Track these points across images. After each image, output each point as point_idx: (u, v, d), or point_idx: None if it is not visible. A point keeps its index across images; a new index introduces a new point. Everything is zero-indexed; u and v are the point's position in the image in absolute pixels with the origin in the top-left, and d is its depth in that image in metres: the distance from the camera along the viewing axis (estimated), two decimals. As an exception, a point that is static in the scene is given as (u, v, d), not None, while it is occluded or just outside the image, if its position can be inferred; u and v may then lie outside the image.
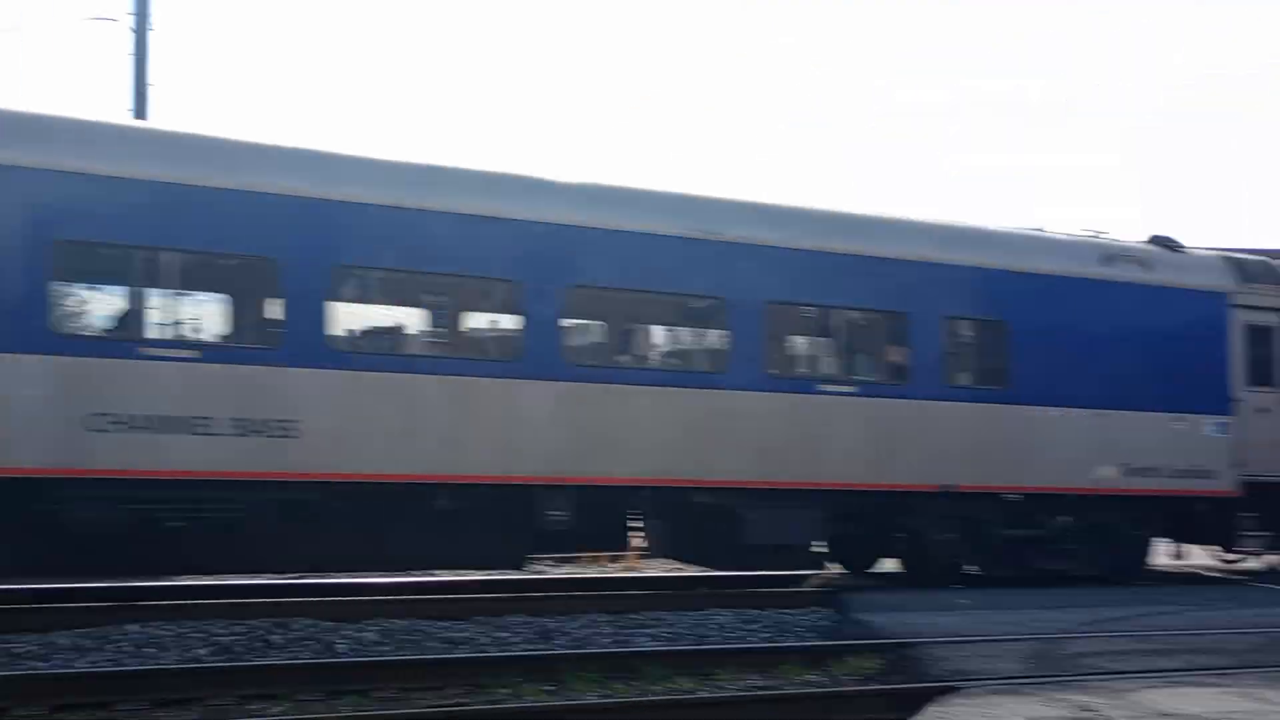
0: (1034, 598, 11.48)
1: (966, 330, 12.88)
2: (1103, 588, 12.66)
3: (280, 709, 6.80)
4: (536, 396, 10.59)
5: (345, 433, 9.95)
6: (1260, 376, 13.54)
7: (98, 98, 37.58)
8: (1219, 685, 7.25)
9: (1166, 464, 12.85)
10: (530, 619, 9.54)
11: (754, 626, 9.73)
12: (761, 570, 12.08)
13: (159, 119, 16.07)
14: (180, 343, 10.09)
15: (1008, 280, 12.64)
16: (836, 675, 8.12)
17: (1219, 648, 8.78)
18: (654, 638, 9.31)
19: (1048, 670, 7.70)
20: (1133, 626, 9.70)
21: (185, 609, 9.17)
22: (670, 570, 14.20)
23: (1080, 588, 12.49)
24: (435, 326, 11.45)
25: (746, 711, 7.14)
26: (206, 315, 10.78)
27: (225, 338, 10.74)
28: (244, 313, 10.88)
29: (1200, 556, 14.98)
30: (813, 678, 8.07)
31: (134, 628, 8.45)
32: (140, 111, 16.30)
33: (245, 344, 10.71)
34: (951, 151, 66.23)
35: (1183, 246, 14.06)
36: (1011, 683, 7.36)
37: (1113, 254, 13.30)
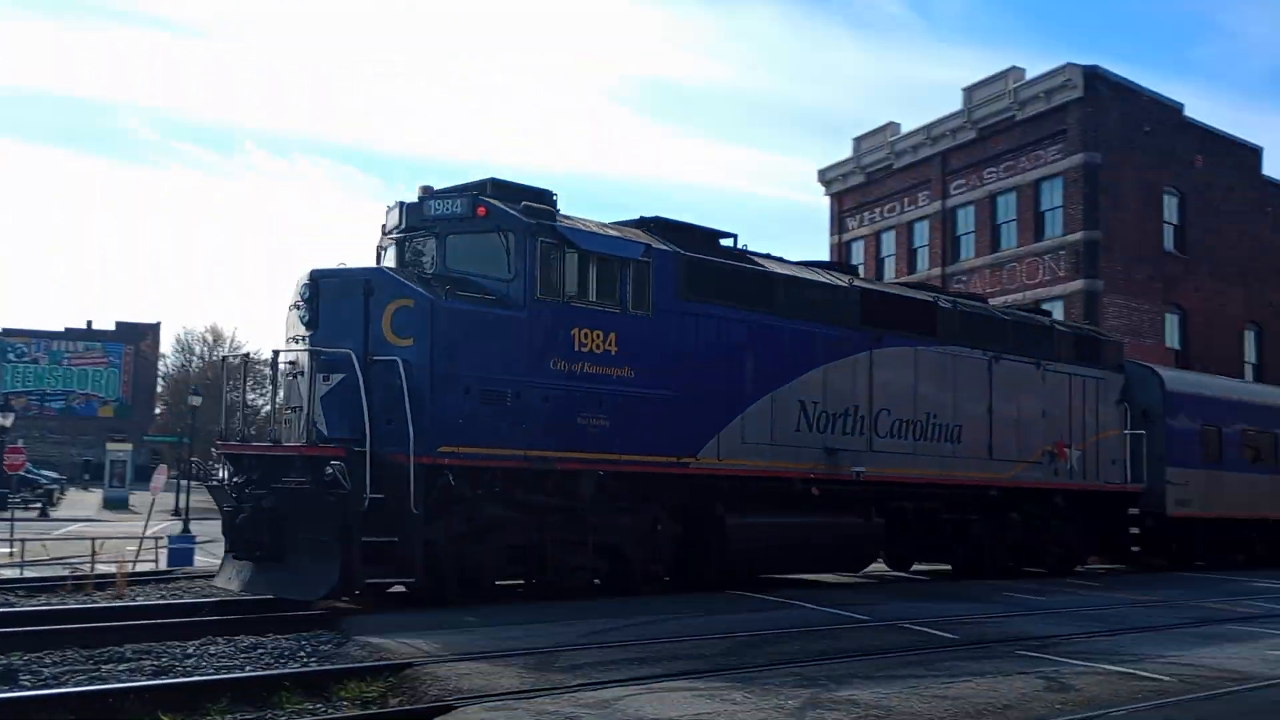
0: (542, 612, 11.95)
1: None
2: (610, 600, 13.27)
3: None
4: None
5: None
6: None
7: None
8: (692, 689, 7.96)
9: None
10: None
11: (253, 655, 9.33)
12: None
13: None
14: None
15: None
16: (338, 702, 8.03)
17: (695, 653, 9.60)
18: (138, 672, 8.61)
19: (543, 684, 8.02)
20: (625, 636, 10.38)
21: None
22: (164, 599, 13.32)
23: (589, 601, 13.07)
24: None
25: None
26: None
27: None
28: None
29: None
30: (311, 706, 7.91)
31: None
32: None
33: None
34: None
35: None
36: (505, 699, 7.62)
37: None
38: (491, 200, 13.44)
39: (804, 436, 16.11)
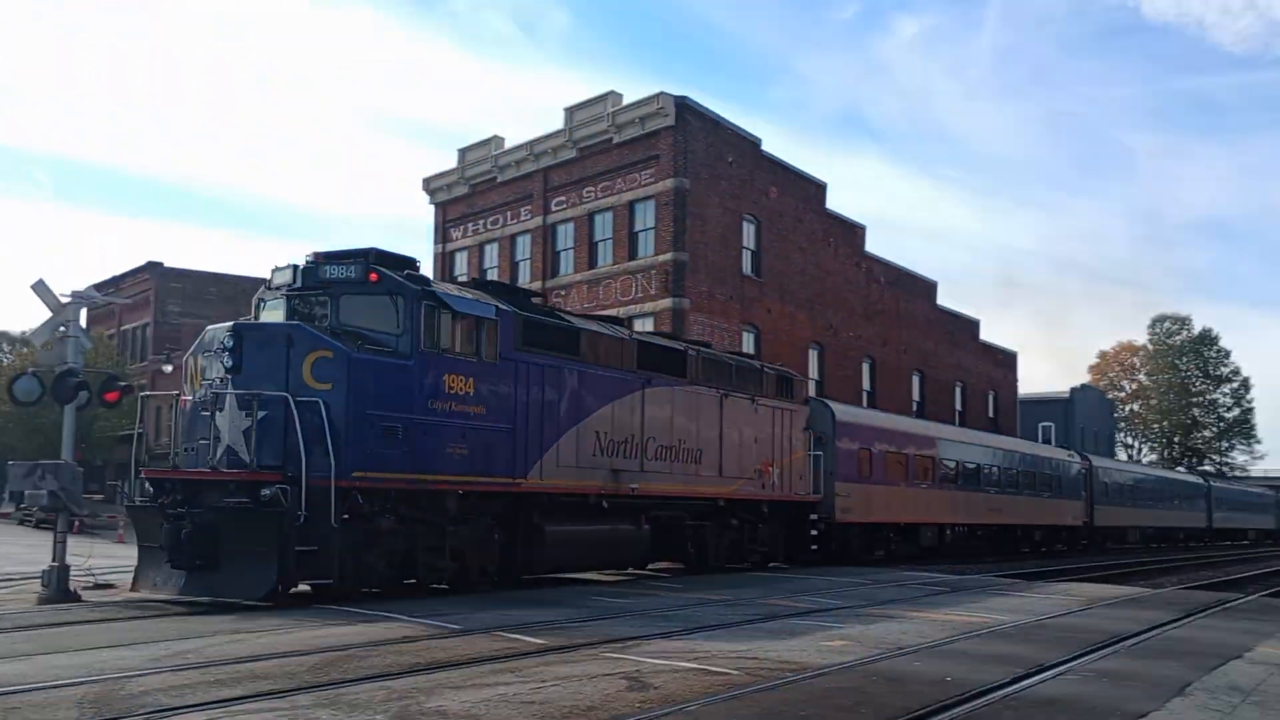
0: (98, 634, 11.04)
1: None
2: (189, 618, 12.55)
3: None
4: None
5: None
6: None
7: None
8: (274, 710, 7.65)
9: None
10: None
11: None
12: None
13: None
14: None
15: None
16: None
17: (281, 672, 9.19)
18: None
19: (106, 714, 7.46)
20: (198, 658, 9.75)
21: None
22: None
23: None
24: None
25: None
26: None
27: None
28: None
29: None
30: None
31: None
32: None
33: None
34: None
35: None
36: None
37: None
38: (383, 268, 16.11)
39: (597, 460, 19.71)
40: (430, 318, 16.06)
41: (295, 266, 16.32)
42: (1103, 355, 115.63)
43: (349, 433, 14.87)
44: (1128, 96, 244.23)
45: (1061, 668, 10.58)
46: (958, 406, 52.85)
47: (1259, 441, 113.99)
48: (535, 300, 20.76)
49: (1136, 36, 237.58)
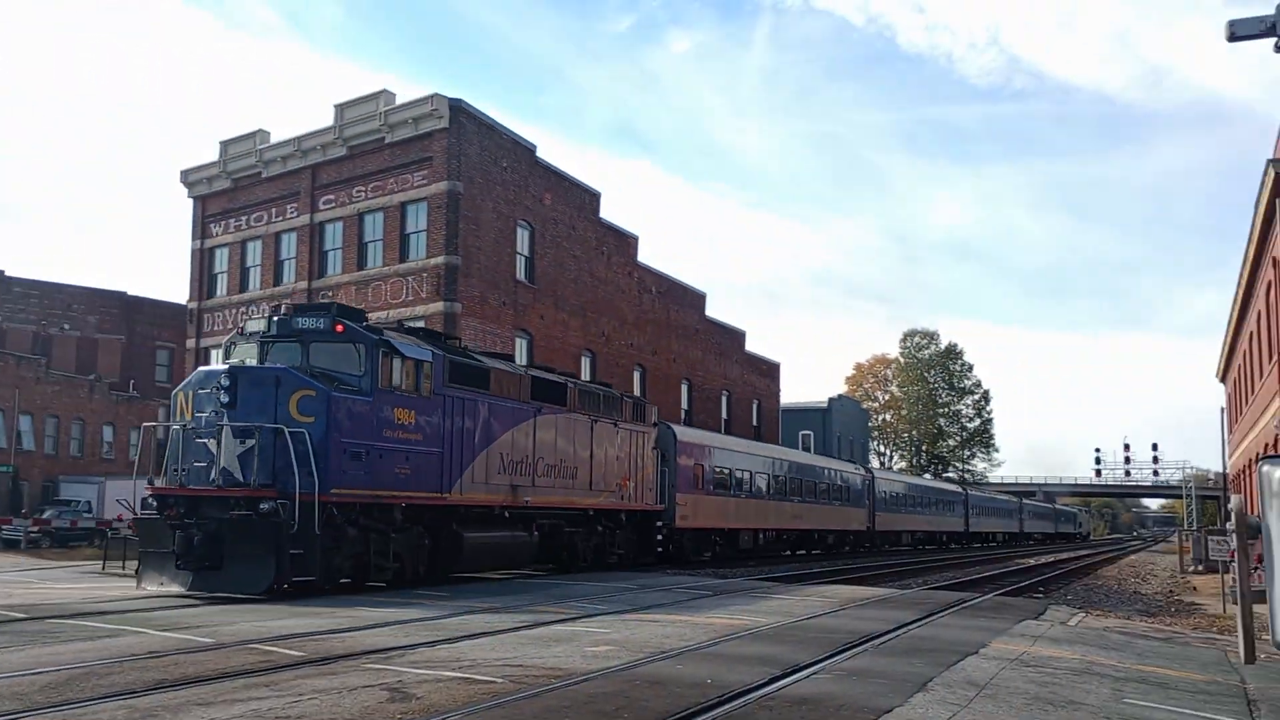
0: None
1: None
2: None
3: None
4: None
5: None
6: None
7: None
8: None
9: None
10: None
11: None
12: None
13: None
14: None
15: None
16: None
17: (9, 693, 8.60)
18: None
19: None
20: None
21: None
22: None
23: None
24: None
25: None
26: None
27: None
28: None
29: None
30: None
31: None
32: None
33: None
34: None
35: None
36: None
37: None
38: (347, 321, 19.49)
39: (501, 477, 23.22)
40: (385, 361, 19.46)
41: (269, 317, 19.87)
42: (858, 367, 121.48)
43: (327, 457, 18.06)
44: (884, 121, 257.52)
45: (815, 667, 10.98)
46: (724, 415, 54.31)
47: (997, 450, 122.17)
48: (451, 341, 24.43)
49: (892, 65, 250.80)
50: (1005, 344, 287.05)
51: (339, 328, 19.17)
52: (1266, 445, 34.73)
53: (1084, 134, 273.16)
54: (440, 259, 34.05)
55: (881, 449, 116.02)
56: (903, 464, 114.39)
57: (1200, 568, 46.94)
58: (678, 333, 49.64)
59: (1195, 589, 35.65)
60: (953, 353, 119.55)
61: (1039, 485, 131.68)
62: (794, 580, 27.55)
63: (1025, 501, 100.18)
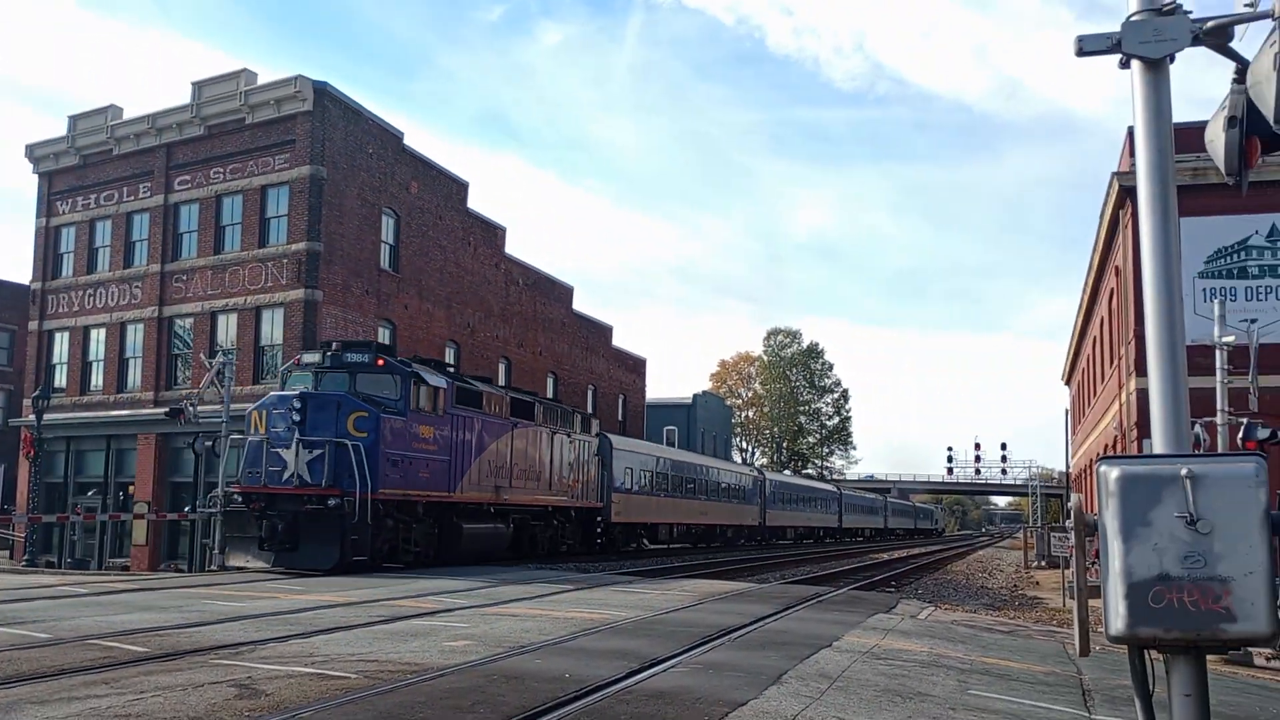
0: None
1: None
2: None
3: None
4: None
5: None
6: None
7: None
8: None
9: None
10: None
11: None
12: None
13: None
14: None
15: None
16: None
17: None
18: None
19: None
20: None
21: None
22: None
23: None
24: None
25: None
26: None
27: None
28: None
29: None
30: None
31: None
32: None
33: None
34: None
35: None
36: None
37: None
38: (387, 356, 24.91)
39: (488, 480, 28.36)
40: (414, 388, 24.71)
41: (323, 351, 25.03)
42: (723, 364, 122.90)
43: (376, 465, 22.98)
44: (751, 122, 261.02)
45: (672, 661, 11.05)
46: (590, 409, 54.37)
47: (855, 448, 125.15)
48: (450, 368, 30.47)
49: (761, 66, 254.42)
50: (865, 343, 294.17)
51: (380, 361, 24.54)
52: (1106, 446, 36.32)
53: (943, 141, 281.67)
54: (301, 245, 33.26)
55: (744, 445, 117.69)
56: (764, 460, 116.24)
57: (1043, 563, 48.84)
58: (545, 326, 49.50)
59: (1038, 584, 37.07)
60: (814, 352, 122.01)
61: (894, 482, 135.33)
62: (656, 575, 27.74)
63: (889, 500, 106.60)
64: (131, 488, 36.52)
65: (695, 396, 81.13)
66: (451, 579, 22.22)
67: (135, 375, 37.28)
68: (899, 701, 9.51)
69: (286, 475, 22.75)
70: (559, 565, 29.13)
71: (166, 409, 31.22)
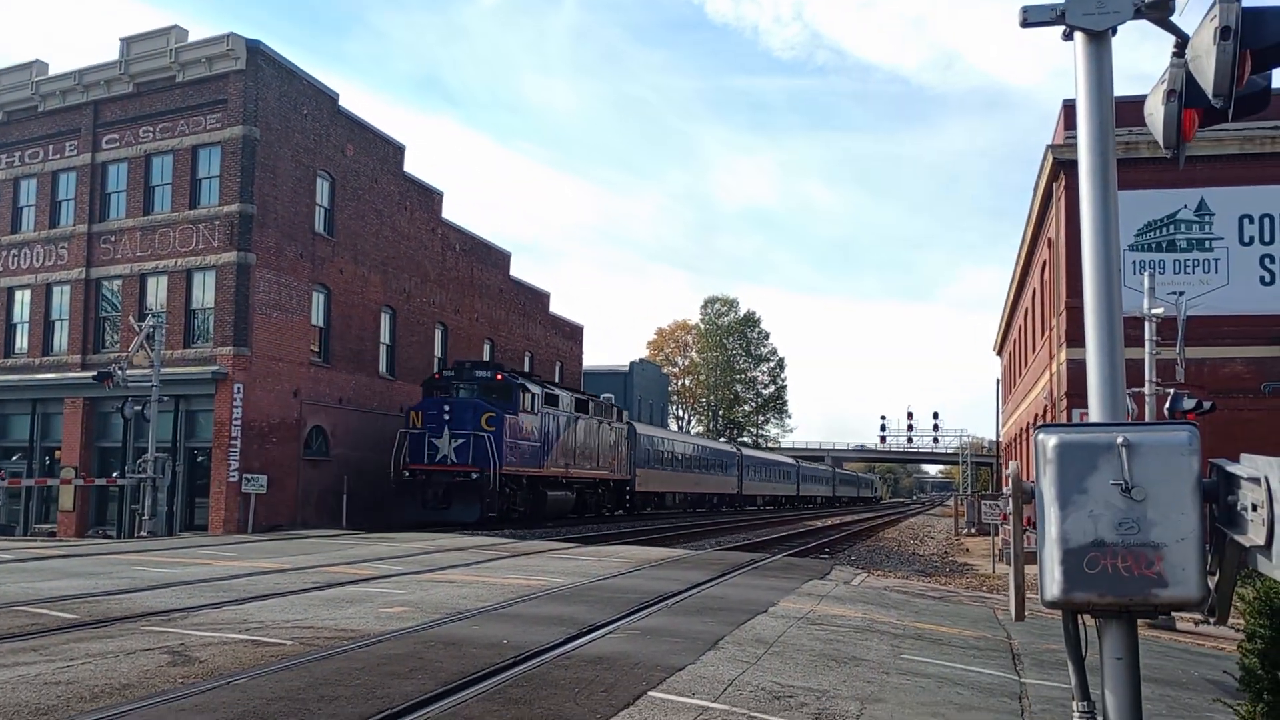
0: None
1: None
2: None
3: None
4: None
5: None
6: None
7: None
8: None
9: None
10: None
11: None
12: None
13: None
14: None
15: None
16: None
17: None
18: None
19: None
20: None
21: None
22: None
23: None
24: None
25: None
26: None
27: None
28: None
29: None
30: None
31: None
32: None
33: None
34: None
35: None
36: None
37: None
38: (505, 371, 35.21)
39: (561, 459, 38.18)
40: (522, 395, 34.66)
41: (459, 368, 35.22)
42: (660, 332, 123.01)
43: (500, 449, 32.41)
44: (689, 89, 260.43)
45: (610, 627, 11.10)
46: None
47: (790, 416, 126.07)
48: (535, 378, 40.56)
49: (699, 33, 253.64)
50: (800, 313, 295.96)
51: (499, 376, 34.68)
52: (1037, 415, 36.96)
53: (879, 112, 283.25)
54: (234, 207, 32.66)
55: (680, 413, 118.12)
56: (700, 428, 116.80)
57: (973, 530, 49.71)
58: (481, 292, 49.16)
59: (968, 550, 37.72)
60: (751, 320, 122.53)
61: (827, 450, 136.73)
62: (594, 540, 27.80)
63: (838, 471, 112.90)
64: (58, 452, 35.78)
65: (632, 364, 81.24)
66: (387, 545, 22.15)
67: (62, 338, 36.46)
68: (834, 666, 9.64)
69: (439, 456, 32.33)
70: (598, 524, 39.85)
71: (94, 373, 30.60)
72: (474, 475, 31.55)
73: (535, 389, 35.84)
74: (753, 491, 75.03)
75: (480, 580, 15.48)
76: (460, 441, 31.99)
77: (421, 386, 36.36)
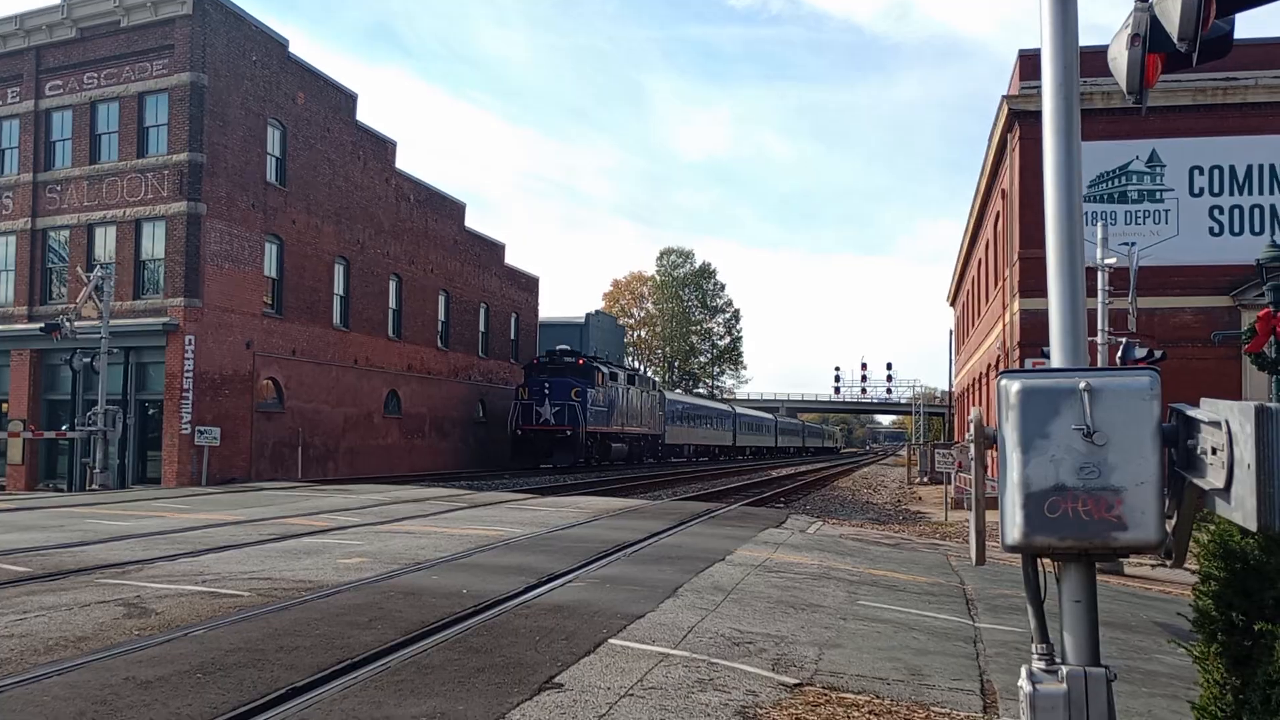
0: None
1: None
2: None
3: None
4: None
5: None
6: None
7: None
8: None
9: None
10: None
11: None
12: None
13: None
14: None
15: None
16: None
17: None
18: None
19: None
20: None
21: None
22: None
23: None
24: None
25: None
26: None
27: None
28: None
29: None
30: None
31: None
32: None
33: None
34: None
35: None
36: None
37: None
38: (588, 357, 51.35)
39: (618, 420, 53.25)
40: (601, 375, 49.40)
41: (551, 355, 49.99)
42: (616, 284, 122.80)
43: (585, 414, 46.81)
44: (644, 38, 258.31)
45: (569, 576, 11.13)
46: (481, 328, 53.97)
47: (745, 368, 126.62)
48: (605, 358, 56.59)
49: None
50: (755, 265, 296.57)
51: (581, 361, 48.16)
52: (990, 365, 37.35)
53: (834, 62, 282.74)
54: (183, 156, 32.06)
55: (636, 365, 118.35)
56: (656, 379, 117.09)
57: (926, 479, 50.33)
58: (436, 243, 48.73)
59: (921, 499, 38.20)
60: (706, 272, 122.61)
61: (782, 402, 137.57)
62: (552, 491, 27.83)
63: (806, 425, 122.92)
64: (5, 405, 35.24)
65: (588, 316, 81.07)
66: (344, 496, 22.06)
67: (7, 289, 35.77)
68: (792, 612, 9.73)
69: (542, 419, 46.03)
70: (640, 465, 55.82)
71: (42, 324, 30.08)
72: (568, 433, 45.63)
73: (604, 369, 50.05)
74: (744, 444, 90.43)
75: (439, 531, 15.46)
76: (557, 409, 45.85)
77: (524, 369, 50.91)
